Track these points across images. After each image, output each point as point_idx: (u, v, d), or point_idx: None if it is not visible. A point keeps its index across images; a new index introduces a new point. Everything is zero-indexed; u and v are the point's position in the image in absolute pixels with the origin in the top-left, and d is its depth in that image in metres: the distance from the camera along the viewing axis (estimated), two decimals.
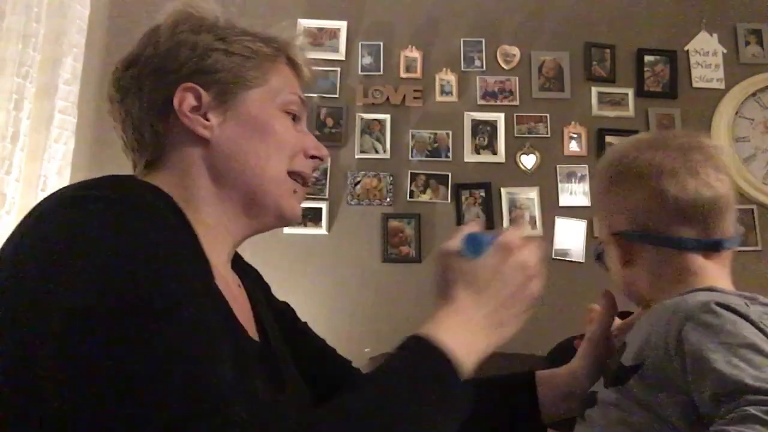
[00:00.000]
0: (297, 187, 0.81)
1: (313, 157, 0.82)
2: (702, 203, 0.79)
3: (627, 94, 2.81)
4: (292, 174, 0.80)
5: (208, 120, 0.76)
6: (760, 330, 0.65)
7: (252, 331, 0.76)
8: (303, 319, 0.97)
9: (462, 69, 2.78)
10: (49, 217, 0.60)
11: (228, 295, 0.70)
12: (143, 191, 0.66)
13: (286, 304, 0.96)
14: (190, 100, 0.75)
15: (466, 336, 0.67)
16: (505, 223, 2.63)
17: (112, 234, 0.57)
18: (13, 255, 0.59)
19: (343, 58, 2.76)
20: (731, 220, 0.81)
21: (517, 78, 2.79)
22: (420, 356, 0.64)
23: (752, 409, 0.56)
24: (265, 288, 0.94)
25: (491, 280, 0.69)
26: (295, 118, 0.81)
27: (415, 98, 2.73)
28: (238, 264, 0.87)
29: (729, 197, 0.81)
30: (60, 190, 0.65)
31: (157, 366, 0.51)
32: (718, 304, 0.68)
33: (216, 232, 0.75)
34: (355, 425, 0.56)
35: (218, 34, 0.77)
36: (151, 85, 0.76)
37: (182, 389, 0.51)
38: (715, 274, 0.80)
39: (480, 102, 2.76)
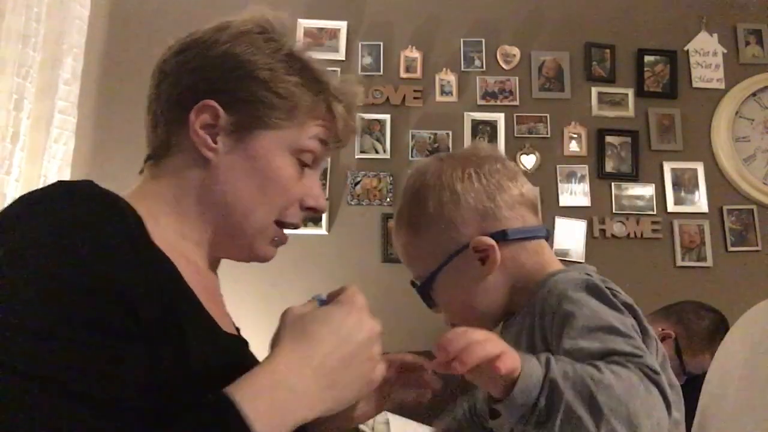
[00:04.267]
0: (279, 235, 0.79)
1: (309, 208, 0.80)
2: (535, 196, 0.89)
3: (627, 94, 2.81)
4: (280, 223, 0.78)
5: (216, 143, 0.74)
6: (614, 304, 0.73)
7: (228, 325, 0.78)
8: None
9: (462, 69, 2.78)
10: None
11: (201, 290, 0.70)
12: (88, 207, 0.62)
13: None
14: (207, 118, 0.73)
15: (281, 394, 0.58)
16: None
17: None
18: None
19: (343, 58, 2.76)
20: None
21: (517, 78, 2.79)
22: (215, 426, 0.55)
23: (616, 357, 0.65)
24: None
25: (328, 332, 0.62)
26: (307, 164, 0.78)
27: (415, 98, 2.73)
28: None
29: None
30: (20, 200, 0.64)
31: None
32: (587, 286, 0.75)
33: (193, 243, 0.76)
34: None
35: (270, 64, 0.75)
36: (186, 83, 0.75)
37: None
38: (554, 256, 0.89)
39: (480, 102, 2.76)
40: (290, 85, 0.75)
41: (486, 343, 0.60)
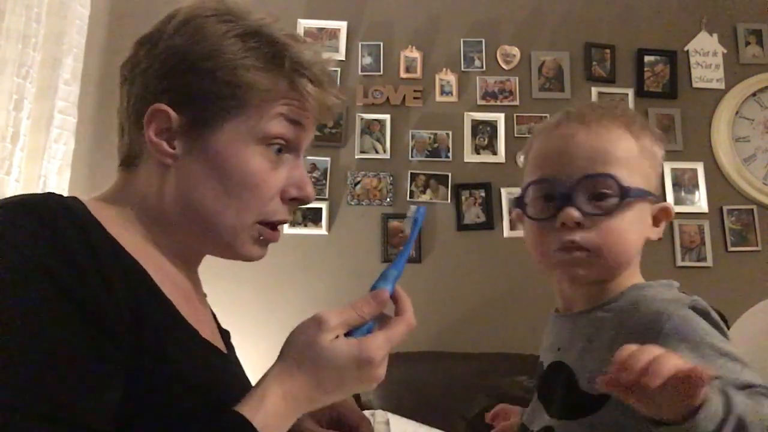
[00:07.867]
0: (265, 232, 0.72)
1: (293, 199, 0.72)
2: None
3: (627, 94, 2.81)
4: (264, 222, 0.71)
5: (174, 147, 0.69)
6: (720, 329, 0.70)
7: (207, 328, 0.75)
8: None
9: (462, 69, 2.78)
10: None
11: (176, 294, 0.69)
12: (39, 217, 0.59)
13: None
14: (160, 122, 0.68)
15: (289, 419, 0.63)
16: (505, 222, 2.63)
17: None
18: None
19: (343, 58, 2.76)
20: None
21: (517, 78, 2.79)
22: None
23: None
24: None
25: (336, 379, 0.63)
26: (282, 148, 0.71)
27: (415, 98, 2.73)
28: None
29: None
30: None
31: None
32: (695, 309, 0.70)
33: (165, 248, 0.72)
34: None
35: (213, 51, 0.68)
36: (139, 87, 0.70)
37: None
38: None
39: (480, 102, 2.76)
40: (239, 69, 0.68)
41: (671, 356, 0.55)
